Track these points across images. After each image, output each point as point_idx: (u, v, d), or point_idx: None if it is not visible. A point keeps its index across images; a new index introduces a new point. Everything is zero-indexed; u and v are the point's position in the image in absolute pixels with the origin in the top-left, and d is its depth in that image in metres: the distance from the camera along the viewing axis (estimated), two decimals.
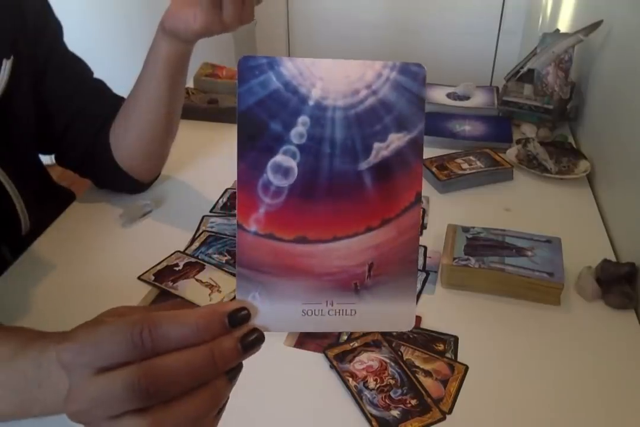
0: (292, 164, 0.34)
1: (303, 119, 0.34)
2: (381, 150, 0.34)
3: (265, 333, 0.34)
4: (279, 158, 0.34)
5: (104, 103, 0.89)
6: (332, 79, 0.34)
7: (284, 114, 0.34)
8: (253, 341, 0.33)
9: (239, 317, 0.33)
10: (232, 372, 0.34)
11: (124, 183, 0.93)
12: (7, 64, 0.74)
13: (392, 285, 0.36)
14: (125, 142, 0.88)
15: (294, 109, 0.34)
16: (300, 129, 0.34)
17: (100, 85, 0.90)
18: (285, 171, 0.34)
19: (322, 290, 0.35)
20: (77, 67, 0.89)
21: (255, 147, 0.34)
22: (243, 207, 0.34)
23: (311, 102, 0.34)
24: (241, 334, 0.33)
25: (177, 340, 0.32)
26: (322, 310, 0.35)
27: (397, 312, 0.36)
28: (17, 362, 0.37)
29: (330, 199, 0.34)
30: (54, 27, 0.84)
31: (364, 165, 0.34)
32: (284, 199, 0.34)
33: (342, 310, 0.35)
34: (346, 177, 0.34)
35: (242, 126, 0.34)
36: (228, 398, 0.34)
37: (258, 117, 0.34)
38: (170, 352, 0.32)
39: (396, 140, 0.34)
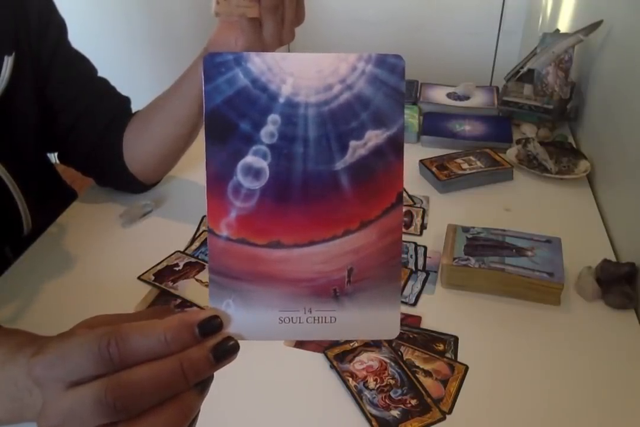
0: (263, 165, 0.32)
1: (273, 117, 0.32)
2: (358, 148, 0.33)
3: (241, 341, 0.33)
4: (249, 159, 0.32)
5: (110, 103, 0.89)
6: (303, 74, 0.32)
7: (253, 112, 0.32)
8: (226, 351, 0.32)
9: (210, 326, 0.32)
10: (202, 384, 0.32)
11: (128, 184, 0.93)
12: (9, 60, 0.74)
13: (374, 291, 0.34)
14: (140, 149, 0.88)
15: (263, 107, 0.32)
16: (270, 128, 0.32)
17: (105, 84, 0.90)
18: (256, 173, 0.32)
19: (299, 297, 0.34)
20: (82, 66, 0.89)
21: (223, 148, 0.32)
22: (213, 211, 0.33)
23: (281, 100, 0.32)
24: (213, 343, 0.32)
25: (145, 352, 0.31)
26: (300, 317, 0.34)
27: (380, 319, 0.34)
28: (8, 369, 0.36)
29: (305, 201, 0.33)
30: (58, 25, 0.84)
31: (340, 165, 0.33)
32: (256, 202, 0.33)
33: (321, 317, 0.34)
34: (321, 177, 0.33)
35: (210, 126, 0.32)
36: (199, 411, 0.33)
37: (226, 117, 0.32)
38: (139, 364, 0.31)
39: (374, 137, 0.33)
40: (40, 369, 0.31)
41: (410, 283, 0.78)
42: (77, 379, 0.31)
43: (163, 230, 0.90)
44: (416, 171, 1.04)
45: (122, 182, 0.94)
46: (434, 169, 1.01)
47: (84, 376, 0.31)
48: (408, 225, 0.90)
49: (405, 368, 0.65)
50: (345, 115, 0.32)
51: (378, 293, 0.34)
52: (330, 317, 0.34)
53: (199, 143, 0.89)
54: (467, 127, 1.16)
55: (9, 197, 0.79)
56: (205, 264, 0.81)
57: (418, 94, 1.27)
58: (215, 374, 0.33)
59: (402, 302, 0.74)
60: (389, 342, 0.68)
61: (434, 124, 1.17)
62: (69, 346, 0.31)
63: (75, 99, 0.86)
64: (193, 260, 0.82)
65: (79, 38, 0.89)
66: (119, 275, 0.80)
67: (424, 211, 0.93)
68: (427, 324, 0.71)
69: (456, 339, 0.69)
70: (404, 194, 0.96)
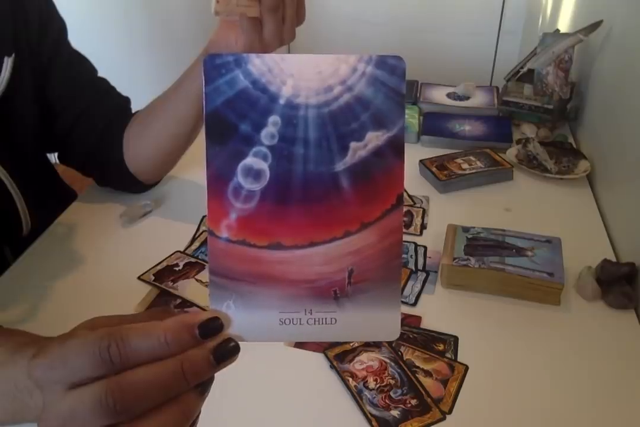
0: (264, 166, 0.32)
1: (274, 118, 0.32)
2: (358, 150, 0.33)
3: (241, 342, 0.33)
4: (250, 160, 0.32)
5: (110, 103, 0.89)
6: (303, 75, 0.32)
7: (253, 114, 0.32)
8: (227, 352, 0.32)
9: (210, 327, 0.32)
10: (203, 385, 0.32)
11: (128, 184, 0.93)
12: (8, 61, 0.74)
13: (375, 292, 0.34)
14: (141, 149, 0.88)
15: (263, 109, 0.32)
16: (271, 130, 0.32)
17: (105, 84, 0.90)
18: (256, 174, 0.32)
19: (299, 298, 0.34)
20: (82, 66, 0.88)
21: (224, 149, 0.32)
22: (213, 212, 0.33)
23: (282, 101, 0.32)
24: (213, 345, 0.32)
25: (146, 354, 0.31)
26: (300, 319, 0.34)
27: (381, 320, 0.34)
28: (7, 370, 0.36)
29: (305, 202, 0.33)
30: (58, 25, 0.84)
31: (340, 167, 0.33)
32: (256, 203, 0.33)
33: (322, 319, 0.34)
34: (321, 179, 0.33)
35: (210, 127, 0.32)
36: (200, 412, 0.34)
37: (226, 118, 0.32)
38: (139, 366, 0.31)
39: (374, 139, 0.33)
40: (40, 370, 0.31)
41: (410, 283, 0.78)
42: (77, 381, 0.31)
43: (163, 230, 0.90)
44: (416, 171, 1.04)
45: (122, 182, 0.94)
46: (434, 169, 1.01)
47: (85, 377, 0.31)
48: (408, 225, 0.90)
49: (405, 368, 0.65)
50: (346, 116, 0.32)
51: (378, 294, 0.34)
52: (331, 319, 0.34)
53: (199, 143, 0.89)
54: (467, 127, 1.16)
55: (9, 197, 0.79)
56: (205, 264, 0.81)
57: (418, 94, 1.27)
58: (216, 374, 0.33)
59: (402, 302, 0.74)
60: (389, 342, 0.68)
61: (434, 124, 1.17)
62: (70, 347, 0.31)
63: (75, 99, 0.86)
64: (193, 260, 0.82)
65: (79, 38, 0.89)
66: (119, 275, 0.80)
67: (424, 211, 0.93)
68: (427, 324, 0.71)
69: (456, 339, 0.69)
70: (404, 194, 0.97)
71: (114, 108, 0.89)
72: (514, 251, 0.77)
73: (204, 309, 0.34)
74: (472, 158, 1.05)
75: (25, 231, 0.84)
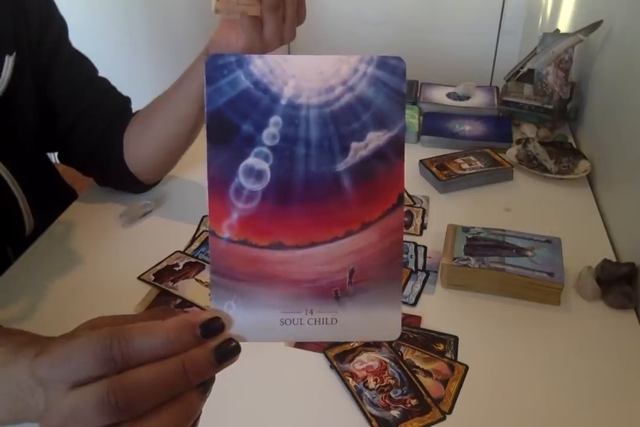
0: (265, 166, 0.33)
1: (275, 119, 0.32)
2: (360, 150, 0.33)
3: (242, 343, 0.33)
4: (251, 161, 0.33)
5: (110, 103, 0.89)
6: (305, 76, 0.32)
7: (254, 114, 0.32)
8: (228, 352, 0.32)
9: (212, 327, 0.32)
10: (205, 385, 0.33)
11: (128, 184, 0.93)
12: (9, 60, 0.74)
13: (376, 292, 0.34)
14: (141, 149, 0.88)
15: (265, 109, 0.32)
16: (272, 130, 0.32)
17: (106, 84, 0.90)
18: (257, 174, 0.33)
19: (301, 298, 0.34)
20: (83, 66, 0.88)
21: (225, 149, 0.32)
22: (215, 212, 0.33)
23: (283, 101, 0.32)
24: (215, 344, 0.32)
25: (148, 353, 0.31)
26: (301, 319, 0.34)
27: (382, 320, 0.34)
28: (9, 370, 0.36)
29: (306, 202, 0.33)
30: (59, 25, 0.84)
31: (341, 167, 0.33)
32: (258, 203, 0.33)
33: (323, 319, 0.34)
34: (323, 179, 0.33)
35: (212, 128, 0.32)
36: (201, 411, 0.34)
37: (228, 119, 0.32)
38: (141, 365, 0.31)
39: (375, 139, 0.33)
40: (43, 369, 0.31)
41: (410, 283, 0.78)
42: (80, 380, 0.31)
43: (163, 230, 0.90)
44: (416, 171, 1.04)
45: (122, 182, 0.94)
46: (434, 169, 1.01)
47: (88, 376, 0.31)
48: (408, 225, 0.90)
49: (405, 368, 0.65)
50: (347, 116, 0.33)
51: (379, 294, 0.34)
52: (332, 319, 0.34)
53: (199, 143, 0.89)
54: (467, 127, 1.16)
55: (11, 196, 0.79)
56: (205, 264, 0.81)
57: (418, 94, 1.27)
58: (216, 374, 0.33)
59: (402, 302, 0.74)
60: (389, 342, 0.68)
61: (434, 124, 1.17)
62: (73, 346, 0.31)
63: (75, 98, 0.86)
64: (193, 260, 0.82)
65: (79, 38, 0.89)
66: (119, 275, 0.80)
67: (424, 211, 0.93)
68: (427, 324, 0.71)
69: (456, 339, 0.69)
70: (404, 194, 0.97)
71: (114, 108, 0.89)
72: (514, 251, 0.77)
73: (204, 309, 0.34)
74: (472, 158, 1.05)
75: (28, 231, 0.84)
